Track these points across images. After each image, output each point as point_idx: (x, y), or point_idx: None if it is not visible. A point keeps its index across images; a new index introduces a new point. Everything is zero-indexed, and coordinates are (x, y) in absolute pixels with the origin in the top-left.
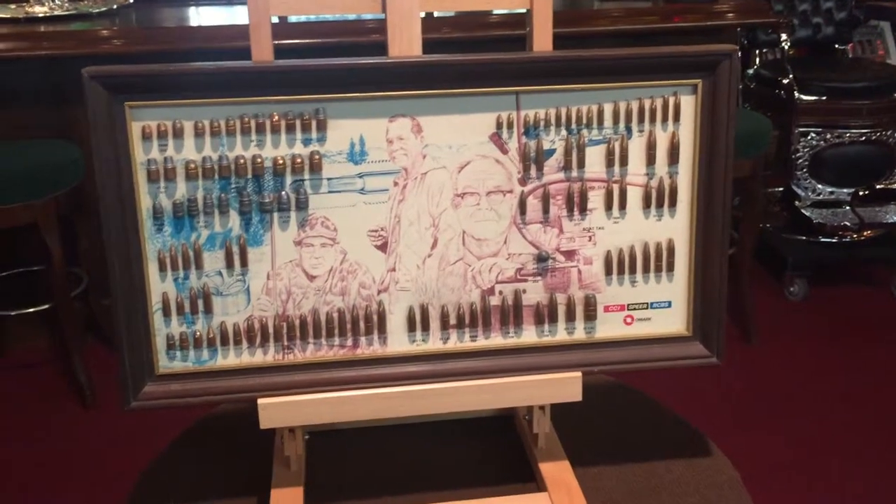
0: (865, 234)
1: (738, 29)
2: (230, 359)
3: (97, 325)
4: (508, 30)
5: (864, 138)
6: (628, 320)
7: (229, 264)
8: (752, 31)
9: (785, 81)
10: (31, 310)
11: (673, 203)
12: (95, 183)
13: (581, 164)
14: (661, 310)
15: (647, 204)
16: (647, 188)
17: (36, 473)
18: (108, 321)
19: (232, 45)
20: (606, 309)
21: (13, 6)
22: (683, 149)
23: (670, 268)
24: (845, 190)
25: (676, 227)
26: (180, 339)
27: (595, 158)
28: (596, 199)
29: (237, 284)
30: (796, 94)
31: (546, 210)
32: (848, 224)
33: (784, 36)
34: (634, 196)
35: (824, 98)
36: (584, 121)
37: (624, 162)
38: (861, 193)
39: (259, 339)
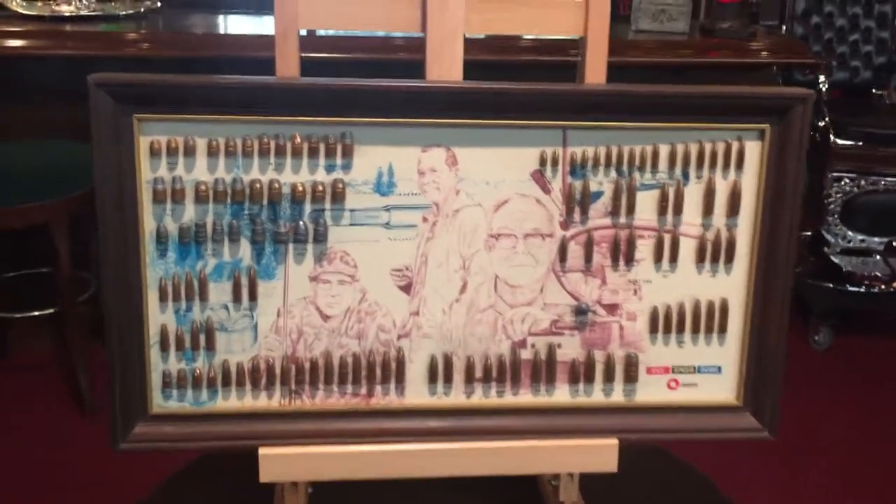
0: (895, 284)
1: (775, 68)
2: (231, 401)
3: (103, 330)
4: (537, 55)
5: None
6: (672, 385)
7: (237, 298)
8: (789, 71)
9: (821, 124)
10: (37, 313)
11: (730, 258)
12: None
13: (630, 210)
14: (710, 375)
15: (700, 258)
16: (701, 240)
17: (29, 479)
18: None
19: (260, 56)
20: (649, 371)
21: (40, 3)
22: (745, 199)
23: (722, 329)
24: (877, 239)
25: (732, 285)
26: (178, 377)
27: (646, 204)
28: (645, 249)
29: (244, 320)
30: (832, 137)
31: (589, 258)
32: (878, 274)
33: (822, 77)
34: (687, 248)
35: (860, 144)
36: (637, 162)
37: (678, 210)
38: (894, 244)
39: (264, 381)
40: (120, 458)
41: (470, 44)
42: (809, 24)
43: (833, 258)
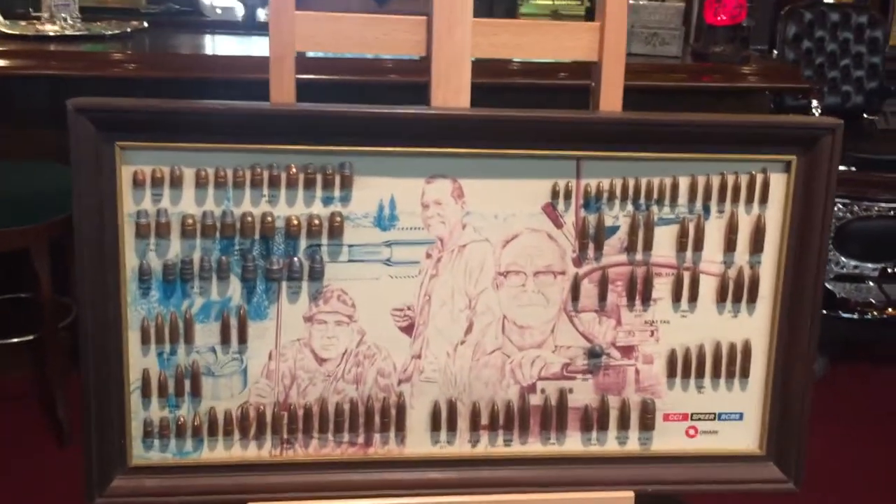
0: (889, 311)
1: (767, 93)
2: (218, 452)
3: None
4: (533, 78)
5: (893, 213)
6: (691, 432)
7: (225, 339)
8: (780, 95)
9: None
10: (16, 339)
11: (753, 298)
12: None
13: (648, 246)
14: (731, 422)
15: (721, 297)
16: (723, 279)
17: None
18: None
19: (250, 77)
20: (666, 417)
21: (24, 22)
22: (770, 235)
23: (744, 374)
24: (870, 265)
25: (755, 327)
26: (160, 426)
27: (664, 240)
28: (662, 287)
29: (232, 364)
30: None
31: (603, 297)
32: (872, 301)
33: (815, 102)
34: (708, 287)
35: (853, 169)
36: (655, 195)
37: (698, 246)
38: (889, 270)
39: (254, 430)
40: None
41: None
42: (800, 49)
43: (826, 285)
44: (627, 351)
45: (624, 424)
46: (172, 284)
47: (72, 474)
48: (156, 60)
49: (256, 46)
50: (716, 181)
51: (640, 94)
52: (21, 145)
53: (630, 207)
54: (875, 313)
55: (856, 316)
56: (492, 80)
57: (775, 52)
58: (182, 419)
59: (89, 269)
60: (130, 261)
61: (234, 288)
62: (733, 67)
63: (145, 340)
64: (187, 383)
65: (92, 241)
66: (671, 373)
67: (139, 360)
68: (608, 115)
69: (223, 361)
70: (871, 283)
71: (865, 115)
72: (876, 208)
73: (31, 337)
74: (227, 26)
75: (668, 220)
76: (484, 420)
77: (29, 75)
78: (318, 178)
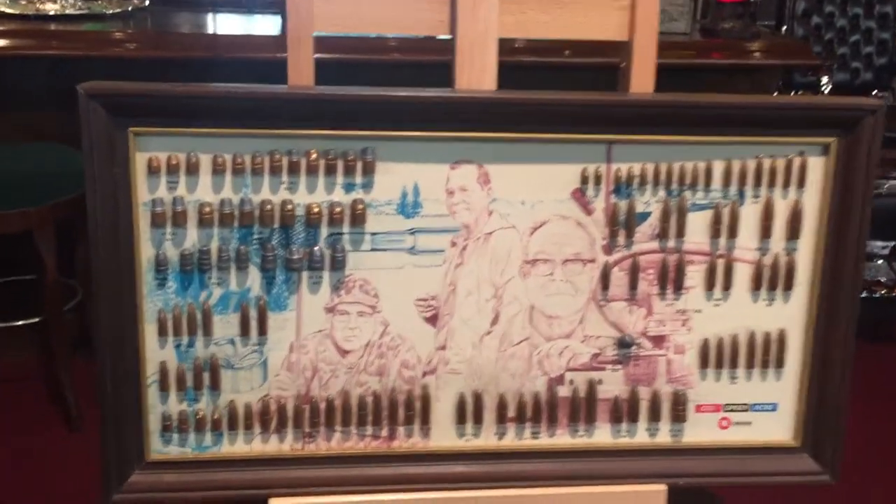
0: None
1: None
2: (238, 446)
3: (90, 340)
4: (537, 56)
5: None
6: (724, 423)
7: (244, 331)
8: (789, 72)
9: None
10: (20, 322)
11: (789, 285)
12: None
13: (680, 233)
14: (765, 413)
15: (756, 285)
16: (758, 266)
17: (14, 497)
18: None
19: (254, 56)
20: (698, 409)
21: (24, 1)
22: (807, 221)
23: (779, 363)
24: (880, 243)
25: (791, 315)
26: (179, 420)
27: (698, 226)
28: (695, 275)
29: (252, 356)
30: None
31: (633, 285)
32: (882, 280)
33: (825, 79)
34: (742, 274)
35: None
36: (688, 180)
37: (733, 233)
38: None
39: (275, 423)
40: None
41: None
42: (810, 25)
43: None
44: (659, 341)
45: (655, 416)
46: (190, 275)
47: (81, 456)
48: (159, 40)
49: (260, 25)
50: (751, 165)
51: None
52: (22, 127)
53: (662, 193)
54: (884, 292)
55: (864, 294)
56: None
57: (784, 27)
58: (201, 413)
59: (104, 260)
60: (146, 251)
61: (254, 278)
62: (742, 44)
63: (162, 333)
64: (206, 376)
65: (106, 231)
66: (704, 363)
67: (156, 353)
68: (640, 97)
69: (243, 354)
70: (879, 262)
71: (875, 92)
72: (886, 186)
73: (35, 319)
74: (230, 4)
75: (702, 206)
76: (511, 412)
77: (29, 55)
78: (340, 164)
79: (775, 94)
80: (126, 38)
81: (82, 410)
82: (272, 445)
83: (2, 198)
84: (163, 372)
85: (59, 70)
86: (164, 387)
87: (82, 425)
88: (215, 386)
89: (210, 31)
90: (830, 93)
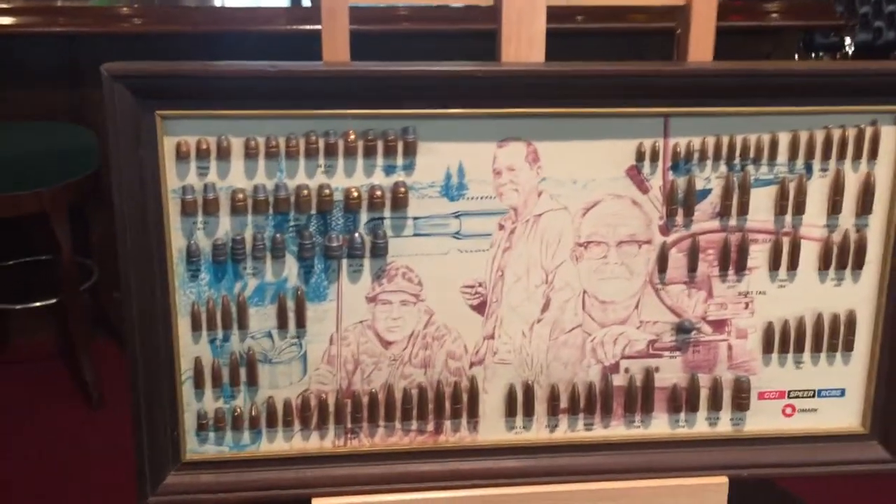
0: None
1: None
2: (278, 444)
3: (107, 319)
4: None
5: None
6: (788, 411)
7: (282, 324)
8: (809, 33)
9: None
10: (38, 304)
11: (859, 264)
12: (112, 195)
13: (743, 210)
14: (832, 399)
15: (825, 264)
16: (826, 244)
17: (37, 476)
18: (119, 316)
19: (264, 30)
20: (762, 396)
21: None
22: (879, 195)
23: (848, 347)
24: None
25: (861, 295)
26: (215, 418)
27: (762, 203)
28: (759, 255)
29: (291, 350)
30: None
31: (693, 267)
32: None
33: (848, 39)
34: (809, 253)
35: None
36: (752, 154)
37: (799, 209)
38: None
39: (316, 419)
40: (130, 455)
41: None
42: None
43: None
44: (720, 325)
45: (715, 405)
46: (223, 266)
47: (102, 435)
48: (165, 14)
49: None
50: (819, 136)
51: (661, 36)
52: (31, 105)
53: (723, 168)
54: None
55: None
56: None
57: None
58: (238, 410)
59: (133, 252)
60: (177, 241)
61: (291, 268)
62: (762, 5)
63: (196, 327)
64: (243, 372)
65: (135, 221)
66: (767, 348)
67: (190, 349)
68: (699, 66)
69: (280, 347)
70: None
71: None
72: None
73: (53, 300)
74: None
75: (766, 181)
76: (563, 403)
77: (36, 33)
78: (379, 144)
79: (795, 57)
80: (133, 13)
81: (102, 389)
82: (313, 443)
83: (15, 179)
84: (197, 368)
85: (65, 47)
86: (199, 383)
87: (103, 403)
88: (252, 381)
89: (217, 3)
90: (853, 55)
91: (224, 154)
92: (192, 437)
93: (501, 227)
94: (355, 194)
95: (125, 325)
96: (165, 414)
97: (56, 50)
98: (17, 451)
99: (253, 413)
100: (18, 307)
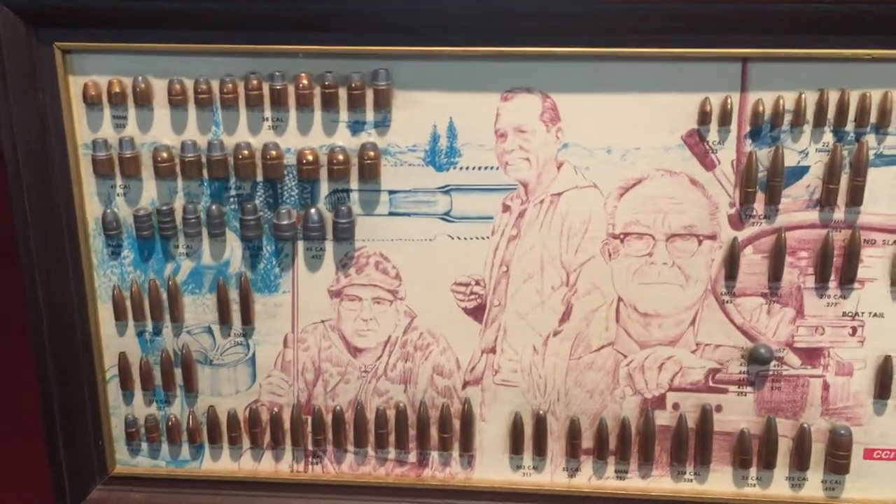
0: None
1: None
2: (224, 462)
3: None
4: None
5: None
6: None
7: (224, 318)
8: None
9: None
10: None
11: None
12: (3, 149)
13: (855, 199)
14: None
15: None
16: None
17: None
18: None
19: None
20: (869, 454)
21: None
22: None
23: None
24: None
25: None
26: (147, 426)
27: (883, 189)
28: (875, 262)
29: (236, 350)
30: None
31: (777, 276)
32: None
33: None
34: None
35: None
36: (872, 118)
37: None
38: None
39: (268, 437)
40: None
41: None
42: None
43: None
44: (813, 356)
45: (801, 462)
46: (150, 241)
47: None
48: None
49: None
50: None
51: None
52: None
53: (828, 137)
54: None
55: None
56: None
57: None
58: (174, 418)
59: (35, 222)
60: (91, 209)
61: (233, 249)
62: None
63: (119, 316)
64: (177, 372)
65: (34, 183)
66: (881, 392)
67: (114, 341)
68: None
69: (223, 346)
70: None
71: None
72: None
73: None
74: None
75: (892, 159)
76: (587, 442)
77: None
78: (342, 93)
79: None
80: None
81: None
82: (267, 465)
83: None
84: (123, 365)
85: None
86: (126, 384)
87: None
88: (190, 386)
89: None
90: None
91: (143, 99)
92: (122, 447)
93: (506, 208)
94: (311, 158)
95: (28, 312)
96: (86, 418)
97: None
98: None
99: (191, 424)
100: None
